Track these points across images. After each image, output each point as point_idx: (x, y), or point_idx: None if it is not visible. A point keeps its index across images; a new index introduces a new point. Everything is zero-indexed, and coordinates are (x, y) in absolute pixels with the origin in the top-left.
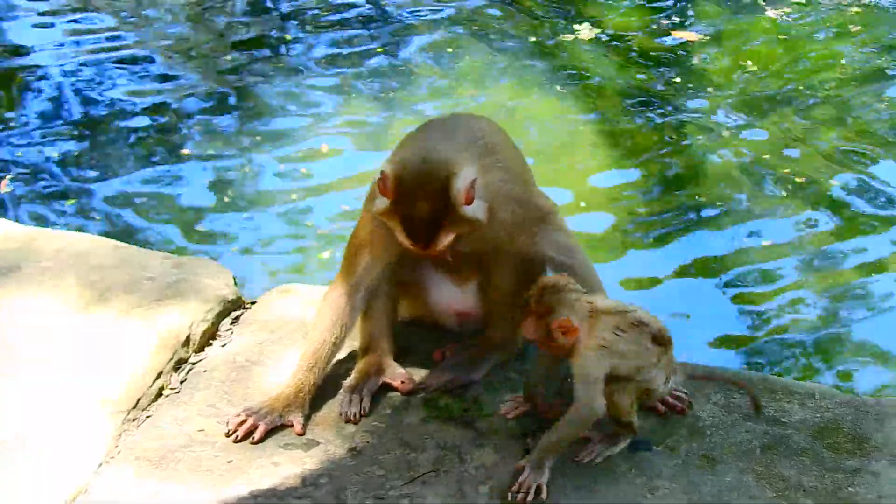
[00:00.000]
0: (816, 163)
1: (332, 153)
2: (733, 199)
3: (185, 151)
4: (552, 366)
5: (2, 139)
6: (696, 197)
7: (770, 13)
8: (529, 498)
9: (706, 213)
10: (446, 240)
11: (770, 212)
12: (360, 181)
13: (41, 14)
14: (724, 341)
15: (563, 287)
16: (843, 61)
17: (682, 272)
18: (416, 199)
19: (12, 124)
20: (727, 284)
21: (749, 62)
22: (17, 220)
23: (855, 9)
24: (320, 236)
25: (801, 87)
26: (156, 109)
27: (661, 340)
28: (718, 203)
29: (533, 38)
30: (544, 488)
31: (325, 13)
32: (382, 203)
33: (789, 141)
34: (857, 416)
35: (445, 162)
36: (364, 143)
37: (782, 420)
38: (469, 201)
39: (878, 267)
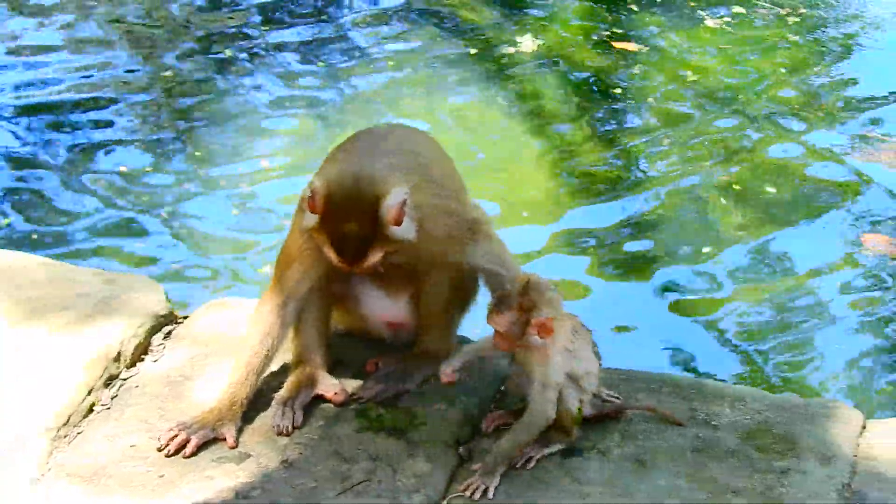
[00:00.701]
0: (756, 171)
1: (272, 169)
2: (674, 208)
3: (123, 168)
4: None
5: None
6: (637, 206)
7: (709, 23)
8: (476, 496)
9: (646, 220)
10: (374, 258)
11: (710, 219)
12: (295, 197)
13: None
14: (658, 345)
15: (547, 287)
16: (781, 70)
17: (618, 277)
18: (345, 219)
19: None
20: (663, 290)
21: (689, 72)
22: None
23: (793, 18)
24: (256, 251)
25: (740, 96)
26: (92, 124)
27: (595, 347)
28: (659, 211)
29: (474, 51)
30: (492, 490)
31: (266, 28)
32: (311, 219)
33: (729, 149)
34: (787, 418)
35: (375, 181)
36: (302, 159)
37: (713, 423)
38: (399, 222)
39: (813, 273)
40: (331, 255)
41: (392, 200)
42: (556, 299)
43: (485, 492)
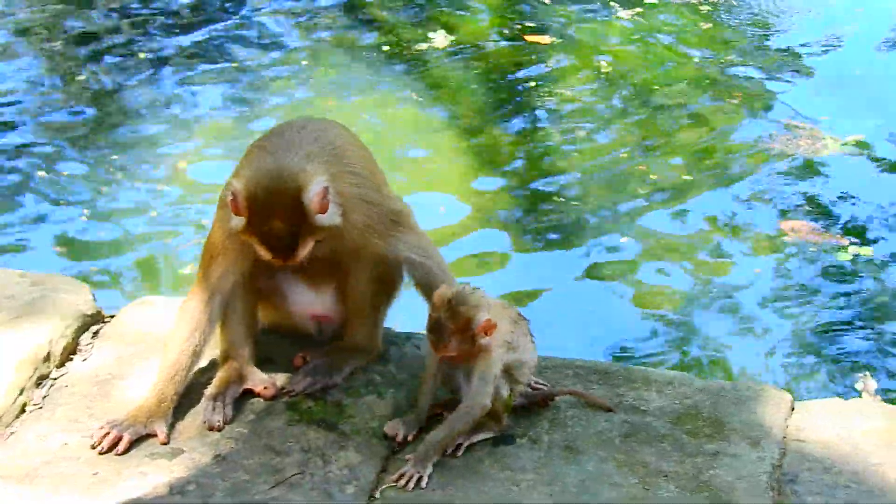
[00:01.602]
0: (672, 161)
1: (189, 170)
2: (592, 200)
3: (41, 174)
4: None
5: None
6: (557, 198)
7: (622, 13)
8: (410, 486)
9: (570, 210)
10: (305, 250)
11: (628, 209)
12: (215, 193)
13: None
14: (584, 332)
15: (466, 292)
16: (694, 60)
17: (542, 266)
18: (271, 216)
19: None
20: (588, 279)
21: (602, 64)
22: None
23: (705, 7)
24: (175, 250)
25: (654, 87)
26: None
27: (532, 337)
28: (576, 204)
29: (387, 48)
30: (425, 479)
31: (175, 19)
32: (238, 221)
33: (644, 141)
34: (715, 401)
35: (295, 174)
36: (219, 156)
37: (641, 408)
38: (324, 209)
39: (736, 257)
40: (262, 252)
41: (314, 189)
42: (483, 297)
43: (419, 480)
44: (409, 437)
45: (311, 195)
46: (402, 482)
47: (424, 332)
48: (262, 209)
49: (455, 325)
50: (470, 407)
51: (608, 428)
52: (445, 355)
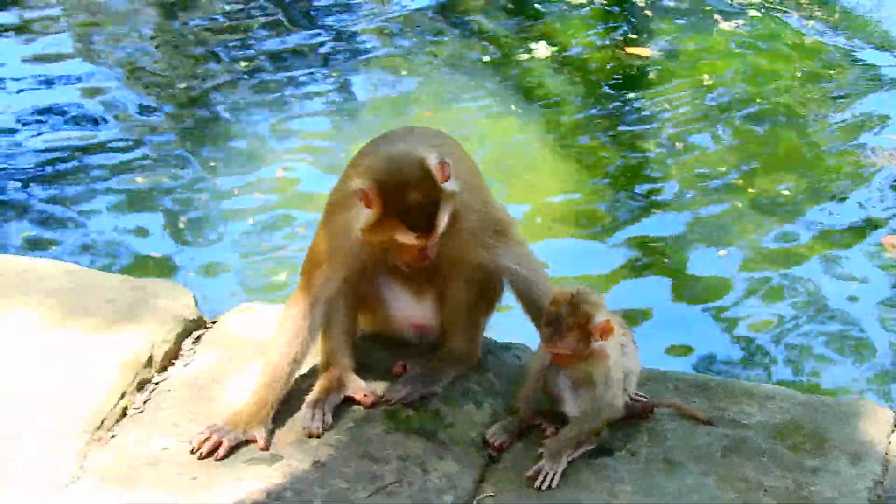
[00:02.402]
0: (771, 175)
1: (287, 178)
2: (691, 212)
3: (140, 179)
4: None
5: None
6: (656, 210)
7: (723, 26)
8: (549, 484)
9: (666, 223)
10: (443, 221)
11: (726, 221)
12: (313, 203)
13: None
14: (682, 346)
15: (587, 292)
16: (797, 74)
17: (641, 280)
18: (406, 192)
19: None
20: (687, 292)
21: (705, 76)
22: None
23: (809, 22)
24: (277, 258)
25: (756, 100)
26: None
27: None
28: (678, 213)
29: (488, 58)
30: (558, 477)
31: (276, 35)
32: (369, 215)
33: (744, 154)
34: (817, 416)
35: (414, 152)
36: (319, 166)
37: (742, 422)
38: (447, 177)
39: (836, 273)
40: (404, 237)
41: (433, 160)
42: (601, 299)
43: (553, 478)
44: (504, 445)
45: (434, 165)
46: (539, 480)
47: (530, 338)
48: (395, 190)
49: (575, 321)
50: (600, 410)
51: (708, 441)
52: (557, 353)
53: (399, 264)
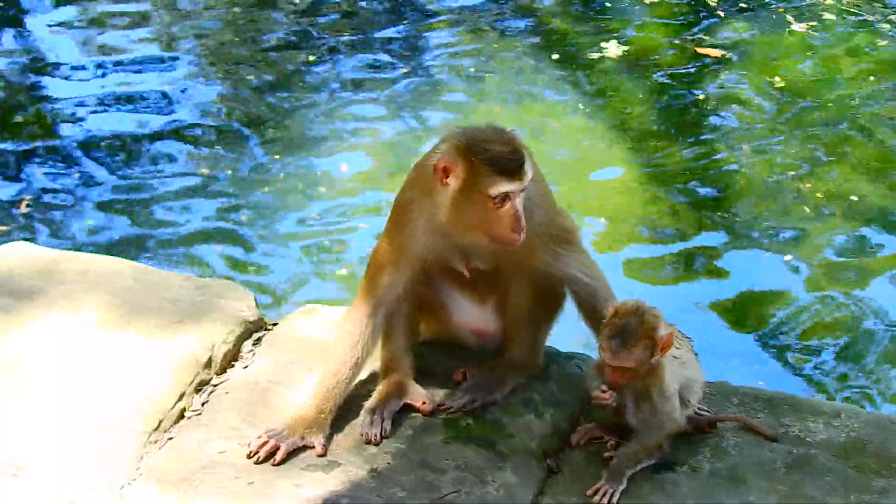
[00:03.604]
0: (843, 180)
1: (353, 173)
2: (759, 217)
3: (205, 171)
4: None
5: (27, 160)
6: (723, 215)
7: (795, 27)
8: (604, 501)
9: (732, 227)
10: (531, 169)
11: (795, 228)
12: (377, 199)
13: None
14: (747, 358)
15: (648, 304)
16: (870, 77)
17: (707, 285)
18: (491, 145)
19: (38, 145)
20: (752, 301)
21: (776, 77)
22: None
23: (884, 25)
24: (339, 252)
25: (828, 104)
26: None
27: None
28: (745, 221)
29: (556, 56)
30: (618, 495)
31: (349, 34)
32: (454, 186)
33: (816, 158)
34: (884, 435)
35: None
36: (386, 163)
37: (807, 440)
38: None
39: None
40: (496, 185)
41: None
42: (660, 312)
43: (612, 495)
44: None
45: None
46: (598, 497)
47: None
48: (479, 145)
49: (642, 332)
50: (661, 423)
51: (772, 458)
52: (619, 368)
53: (493, 241)
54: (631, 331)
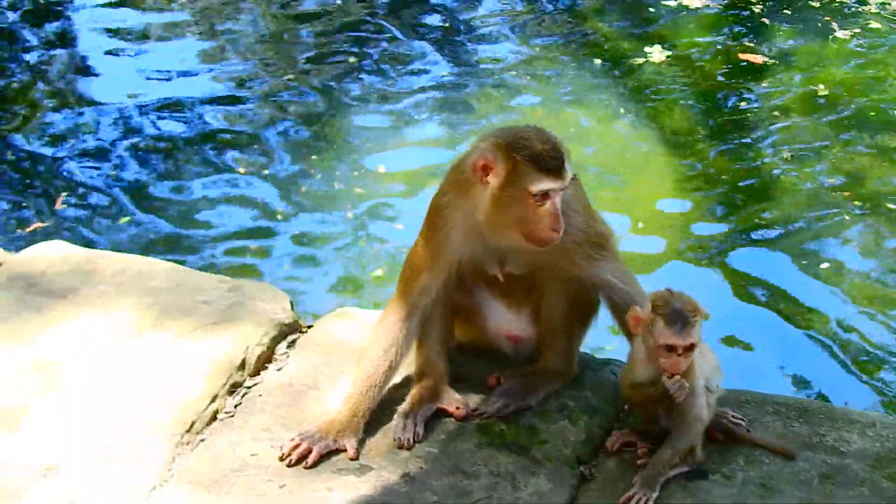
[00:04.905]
0: (882, 188)
1: (390, 173)
2: (800, 222)
3: (241, 170)
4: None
5: (60, 156)
6: (763, 220)
7: (840, 34)
8: None
9: (772, 235)
10: (571, 172)
11: (832, 235)
12: (415, 200)
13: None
14: (784, 367)
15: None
16: None
17: (744, 294)
18: (532, 143)
19: (72, 141)
20: (788, 309)
21: (821, 85)
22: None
23: None
24: (376, 252)
25: (871, 113)
26: (212, 134)
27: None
28: (785, 226)
29: (599, 60)
30: (651, 502)
31: (391, 43)
32: (494, 184)
33: (858, 166)
34: None
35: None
36: (423, 164)
37: (841, 449)
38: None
39: None
40: (537, 182)
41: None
42: None
43: (646, 502)
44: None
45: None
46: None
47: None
48: (520, 142)
49: (692, 307)
50: (690, 424)
51: (806, 468)
52: (689, 347)
53: (531, 241)
54: (685, 310)
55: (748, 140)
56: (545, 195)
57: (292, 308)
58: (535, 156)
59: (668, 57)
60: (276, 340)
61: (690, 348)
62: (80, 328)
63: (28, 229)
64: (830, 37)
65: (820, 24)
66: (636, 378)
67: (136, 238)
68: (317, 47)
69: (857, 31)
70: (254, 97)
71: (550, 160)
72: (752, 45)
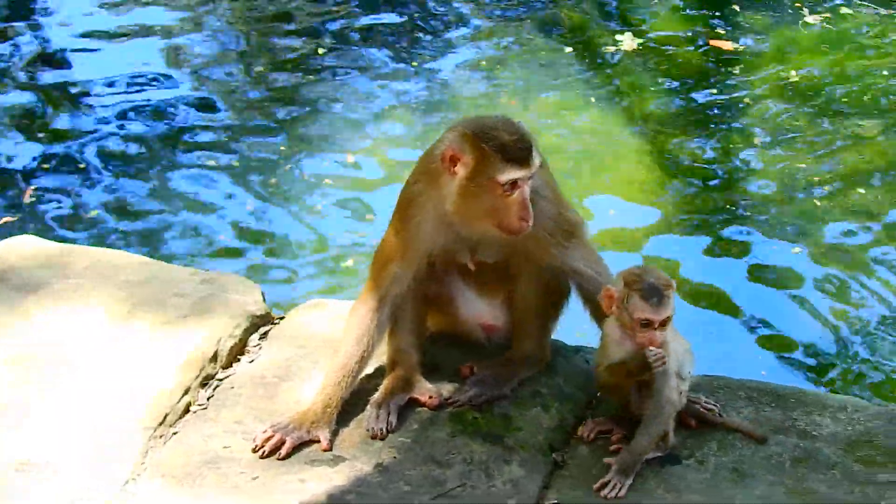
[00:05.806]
0: (853, 175)
1: (359, 164)
2: (767, 207)
3: (211, 163)
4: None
5: (33, 148)
6: (733, 206)
7: (809, 19)
8: (612, 494)
9: (743, 218)
10: (539, 160)
11: (803, 219)
12: (384, 192)
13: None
14: (756, 347)
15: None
16: (884, 71)
17: (716, 279)
18: (499, 133)
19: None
20: (759, 291)
21: (791, 71)
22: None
23: None
24: (348, 248)
25: (842, 99)
26: (184, 129)
27: None
28: (757, 211)
29: (570, 49)
30: (626, 489)
31: (359, 31)
32: (461, 174)
33: (827, 151)
34: (890, 428)
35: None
36: (397, 155)
37: (813, 433)
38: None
39: None
40: (504, 172)
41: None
42: None
43: (619, 489)
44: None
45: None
46: (605, 491)
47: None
48: (487, 132)
49: (665, 280)
50: (661, 405)
51: (778, 452)
52: (665, 320)
53: (501, 230)
54: (659, 284)
55: (720, 126)
56: (513, 184)
57: (264, 300)
58: (502, 146)
59: (639, 45)
60: (248, 332)
61: (666, 321)
62: (53, 322)
63: None
64: (800, 22)
65: (791, 10)
66: (611, 359)
67: (107, 232)
68: (287, 48)
69: (828, 15)
70: (221, 92)
71: (517, 150)
72: (723, 31)
